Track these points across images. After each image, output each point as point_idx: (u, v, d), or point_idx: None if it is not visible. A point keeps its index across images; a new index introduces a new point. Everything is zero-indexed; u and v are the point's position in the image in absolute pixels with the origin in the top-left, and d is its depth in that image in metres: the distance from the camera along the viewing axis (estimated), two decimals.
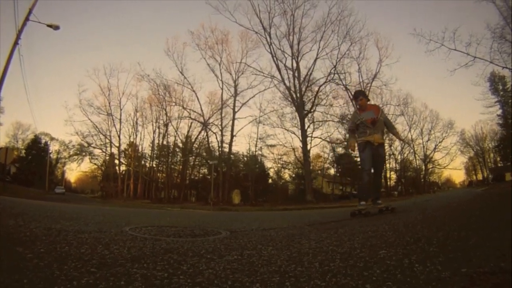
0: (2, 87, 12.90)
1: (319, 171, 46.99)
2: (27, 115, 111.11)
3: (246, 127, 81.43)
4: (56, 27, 14.63)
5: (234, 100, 38.02)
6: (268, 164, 43.99)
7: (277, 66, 33.65)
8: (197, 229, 3.63)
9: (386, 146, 25.37)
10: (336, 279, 1.45)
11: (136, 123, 44.39)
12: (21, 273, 1.42)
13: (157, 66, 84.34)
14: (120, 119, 43.15)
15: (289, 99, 33.90)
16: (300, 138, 33.50)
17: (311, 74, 33.75)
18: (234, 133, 38.12)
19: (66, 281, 1.35)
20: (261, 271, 1.62)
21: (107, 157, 46.35)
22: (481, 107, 51.25)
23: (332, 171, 48.70)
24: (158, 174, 47.21)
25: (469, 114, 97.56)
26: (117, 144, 43.58)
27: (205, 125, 39.35)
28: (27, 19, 13.54)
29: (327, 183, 48.42)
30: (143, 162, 46.47)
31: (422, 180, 49.52)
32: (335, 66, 33.20)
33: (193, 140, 43.01)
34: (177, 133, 43.18)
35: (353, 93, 7.24)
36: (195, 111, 40.07)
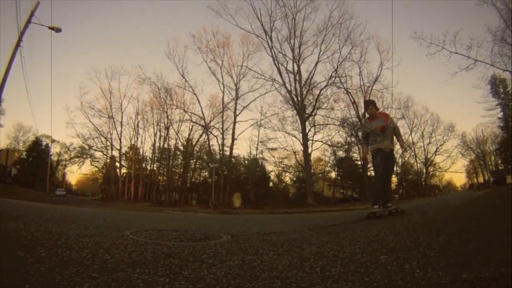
0: (3, 88, 12.95)
1: (320, 175, 46.91)
2: (28, 116, 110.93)
3: (247, 130, 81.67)
4: (58, 30, 14.66)
5: (235, 103, 38.18)
6: (269, 167, 44.11)
7: (278, 69, 33.86)
8: (198, 233, 3.63)
9: None
10: (337, 285, 1.45)
11: (137, 126, 44.46)
12: (23, 278, 1.43)
13: (158, 69, 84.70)
14: (121, 122, 43.24)
15: (290, 102, 34.05)
16: (301, 142, 33.59)
17: (312, 77, 34.00)
18: (235, 136, 38.27)
19: (67, 286, 1.35)
20: (262, 276, 1.62)
21: (108, 160, 46.41)
22: (482, 110, 51.18)
23: (333, 174, 48.67)
24: (159, 177, 47.20)
25: (470, 117, 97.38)
26: (118, 147, 43.67)
27: (206, 128, 39.41)
28: (29, 21, 13.57)
29: (328, 187, 48.31)
30: (144, 165, 46.50)
31: (423, 183, 49.38)
32: (336, 70, 33.42)
33: (194, 143, 43.10)
34: (178, 136, 43.31)
35: (363, 103, 7.45)
36: (196, 114, 40.19)
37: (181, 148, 44.10)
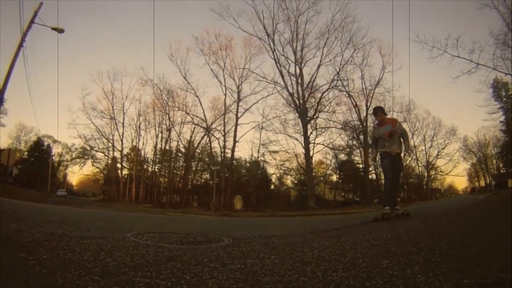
0: (6, 88, 13.03)
1: (322, 178, 46.83)
2: (30, 117, 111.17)
3: (248, 132, 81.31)
4: (61, 30, 14.75)
5: (237, 106, 38.10)
6: (270, 170, 44.00)
7: (280, 72, 33.80)
8: (200, 235, 3.63)
9: None
10: None
11: (139, 127, 44.44)
12: (24, 280, 1.43)
13: (161, 71, 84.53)
14: (123, 123, 43.25)
15: (292, 105, 34.00)
16: (303, 144, 33.51)
17: (314, 80, 33.88)
18: (237, 139, 38.21)
19: None
20: (264, 280, 1.62)
21: (110, 161, 46.47)
22: (484, 113, 50.85)
23: (334, 177, 48.56)
24: (160, 179, 47.21)
25: (472, 120, 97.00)
26: (120, 148, 43.73)
27: (208, 130, 39.41)
28: (32, 21, 13.66)
29: (330, 190, 48.21)
30: (145, 167, 46.53)
31: (425, 186, 49.20)
32: (338, 73, 33.36)
33: (195, 145, 43.06)
34: (179, 138, 43.35)
35: (372, 110, 7.72)
36: (198, 116, 40.16)
37: (183, 150, 44.14)
